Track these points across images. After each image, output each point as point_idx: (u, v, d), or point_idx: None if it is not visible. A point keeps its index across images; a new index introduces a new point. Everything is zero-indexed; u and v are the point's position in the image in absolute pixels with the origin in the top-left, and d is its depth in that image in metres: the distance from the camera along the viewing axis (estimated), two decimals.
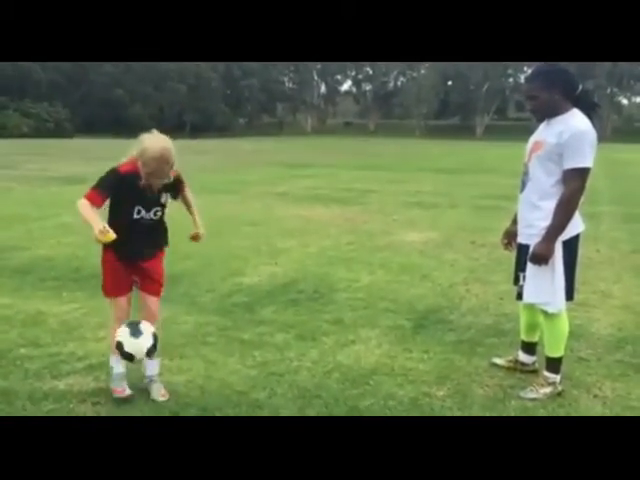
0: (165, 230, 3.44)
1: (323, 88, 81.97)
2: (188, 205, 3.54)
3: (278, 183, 15.03)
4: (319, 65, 74.26)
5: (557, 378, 3.50)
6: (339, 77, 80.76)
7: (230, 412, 3.18)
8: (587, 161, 3.27)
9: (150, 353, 3.18)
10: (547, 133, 3.39)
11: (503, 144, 39.97)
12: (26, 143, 36.12)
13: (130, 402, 3.30)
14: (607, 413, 3.26)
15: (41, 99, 53.83)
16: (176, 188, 3.39)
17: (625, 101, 75.18)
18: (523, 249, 3.54)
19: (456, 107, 73.50)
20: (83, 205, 3.07)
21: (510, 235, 3.78)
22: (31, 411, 3.16)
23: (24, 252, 6.79)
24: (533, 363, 3.79)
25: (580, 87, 3.41)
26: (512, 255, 3.80)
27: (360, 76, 78.02)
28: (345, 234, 8.27)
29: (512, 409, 3.30)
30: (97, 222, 2.98)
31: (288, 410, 3.23)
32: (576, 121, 3.31)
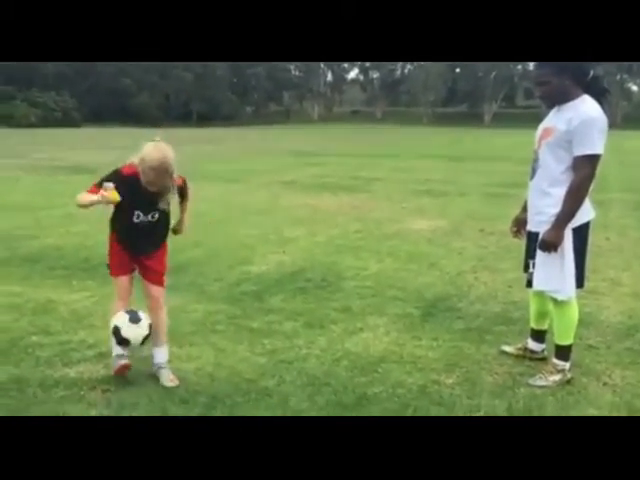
0: (167, 227, 3.50)
1: (330, 76, 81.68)
2: (182, 209, 3.60)
3: (285, 171, 15.02)
4: None
5: (566, 366, 3.49)
6: (346, 65, 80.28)
7: (239, 400, 3.20)
8: (597, 148, 3.24)
9: (144, 342, 3.35)
10: (557, 120, 3.36)
11: (511, 132, 39.68)
12: (34, 132, 36.24)
13: (138, 385, 3.35)
14: (617, 401, 3.25)
15: (48, 89, 53.95)
16: (180, 194, 3.47)
17: (635, 88, 74.53)
18: (533, 236, 3.52)
19: (464, 94, 73.01)
20: (79, 195, 3.25)
21: (519, 223, 3.76)
22: (42, 398, 3.19)
23: (33, 241, 6.83)
24: (542, 351, 3.78)
25: (591, 72, 3.37)
26: (521, 243, 3.78)
27: (367, 64, 77.55)
28: (353, 222, 8.25)
29: (521, 396, 3.29)
30: (95, 195, 3.15)
31: (297, 397, 3.24)
32: (586, 107, 3.27)
